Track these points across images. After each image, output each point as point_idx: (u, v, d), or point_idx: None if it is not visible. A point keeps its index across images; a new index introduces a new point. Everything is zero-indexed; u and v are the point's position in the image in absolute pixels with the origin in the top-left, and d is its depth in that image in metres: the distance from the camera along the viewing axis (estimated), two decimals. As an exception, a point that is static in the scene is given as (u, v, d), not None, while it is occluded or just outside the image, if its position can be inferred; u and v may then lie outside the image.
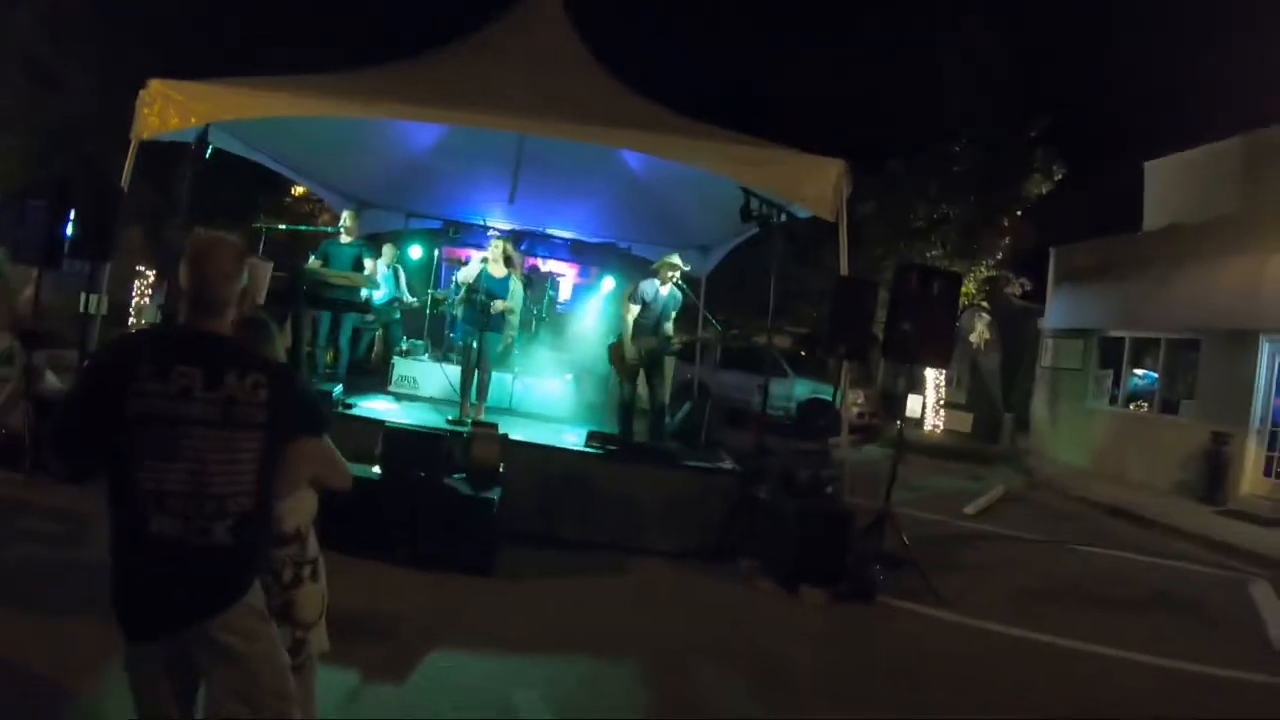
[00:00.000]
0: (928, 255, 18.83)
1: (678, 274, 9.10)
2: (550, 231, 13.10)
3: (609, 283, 11.52)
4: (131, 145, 8.29)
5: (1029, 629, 6.98)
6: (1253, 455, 14.12)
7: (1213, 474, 14.00)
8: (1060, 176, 18.46)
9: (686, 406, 10.10)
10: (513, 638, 5.48)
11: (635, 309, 9.07)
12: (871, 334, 7.81)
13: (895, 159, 18.69)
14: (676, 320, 9.56)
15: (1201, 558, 10.72)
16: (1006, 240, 19.09)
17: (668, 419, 9.61)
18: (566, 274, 13.12)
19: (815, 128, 17.59)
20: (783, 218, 8.07)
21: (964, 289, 19.32)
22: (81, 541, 5.94)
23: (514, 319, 9.89)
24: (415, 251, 12.47)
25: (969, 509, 12.15)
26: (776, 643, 6.12)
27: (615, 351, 9.25)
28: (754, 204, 7.81)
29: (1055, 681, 6.05)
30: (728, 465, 8.69)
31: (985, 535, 10.78)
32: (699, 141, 8.22)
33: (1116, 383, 17.80)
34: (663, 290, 9.09)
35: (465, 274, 9.73)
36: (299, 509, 3.19)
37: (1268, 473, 14.01)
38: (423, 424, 8.18)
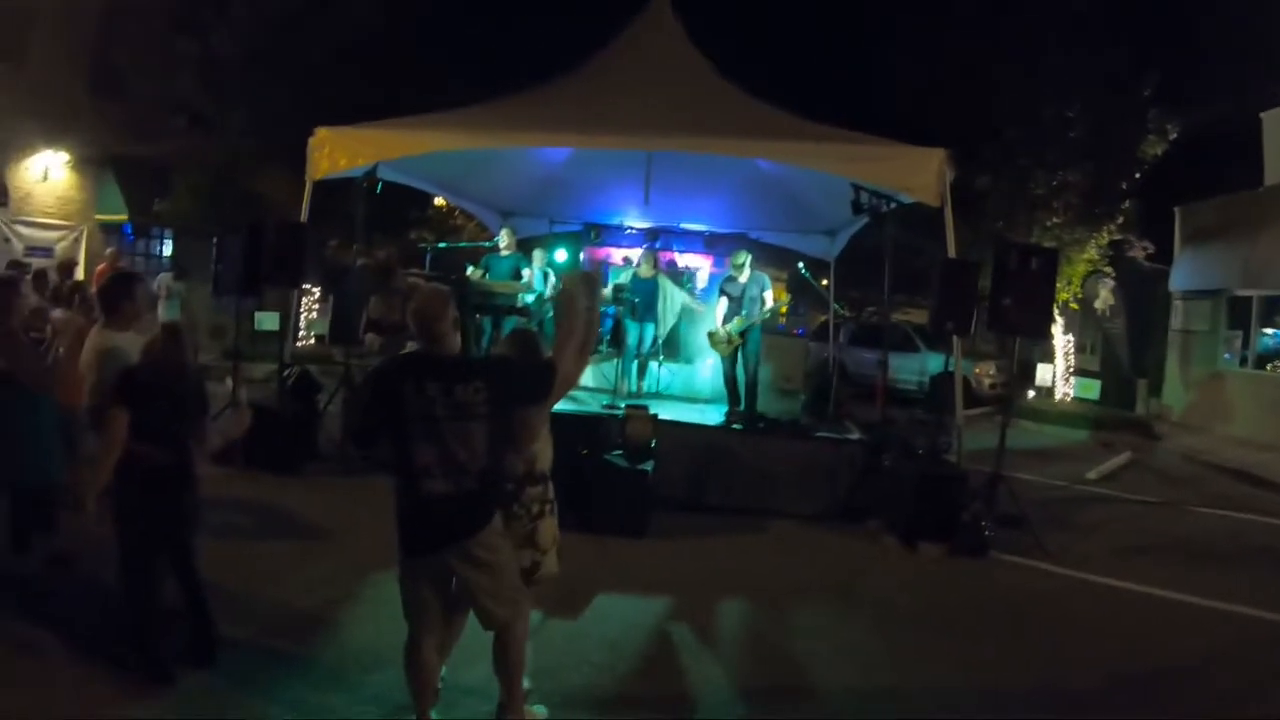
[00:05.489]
0: (1047, 224, 18.42)
1: (744, 265, 10.02)
2: (684, 226, 13.86)
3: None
4: (307, 185, 9.49)
5: (1128, 581, 7.34)
6: (1386, 414, 13.52)
7: (1344, 435, 13.52)
8: (1174, 135, 17.96)
9: (813, 383, 10.94)
10: (664, 584, 6.52)
11: (724, 301, 10.10)
12: (973, 310, 8.32)
13: (1012, 127, 18.23)
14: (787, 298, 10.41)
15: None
16: (1126, 204, 18.68)
17: (801, 395, 10.60)
18: (702, 265, 13.79)
19: (931, 106, 17.83)
20: (891, 206, 8.80)
21: (1086, 255, 18.92)
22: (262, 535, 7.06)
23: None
24: (561, 254, 13.52)
25: (1091, 474, 12.29)
26: (892, 587, 6.93)
27: (712, 338, 10.22)
28: (863, 198, 8.56)
29: (1143, 627, 6.46)
30: (854, 435, 9.41)
31: (1103, 498, 10.99)
32: (810, 144, 8.86)
33: (1246, 343, 17.35)
34: (741, 279, 10.01)
35: (620, 278, 11.18)
36: (545, 453, 4.10)
37: (1402, 432, 13.39)
38: (583, 409, 9.24)
